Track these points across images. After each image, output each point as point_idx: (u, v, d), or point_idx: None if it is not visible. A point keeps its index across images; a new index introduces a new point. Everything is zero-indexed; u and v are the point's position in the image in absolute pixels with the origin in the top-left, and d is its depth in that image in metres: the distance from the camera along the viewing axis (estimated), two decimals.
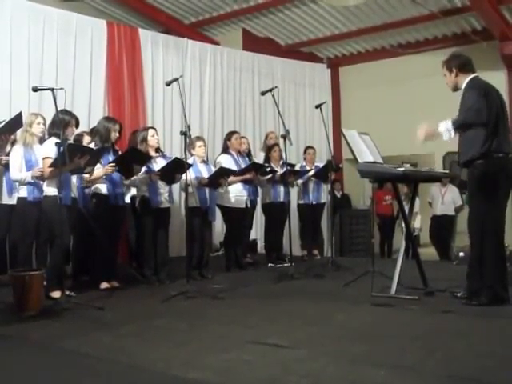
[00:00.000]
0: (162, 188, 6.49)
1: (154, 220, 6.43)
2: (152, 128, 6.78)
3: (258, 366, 3.29)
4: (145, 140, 6.48)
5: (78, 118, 5.87)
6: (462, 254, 7.67)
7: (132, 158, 6.13)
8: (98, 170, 5.96)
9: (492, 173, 4.73)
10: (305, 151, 8.97)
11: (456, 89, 5.00)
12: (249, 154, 8.30)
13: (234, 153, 7.62)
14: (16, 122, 5.97)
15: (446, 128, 4.77)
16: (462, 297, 4.96)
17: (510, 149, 4.84)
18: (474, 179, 4.82)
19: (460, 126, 4.76)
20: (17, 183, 5.95)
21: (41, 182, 5.68)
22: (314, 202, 8.66)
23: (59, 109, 5.25)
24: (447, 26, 10.70)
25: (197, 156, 6.96)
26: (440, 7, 9.88)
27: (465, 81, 4.91)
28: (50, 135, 5.62)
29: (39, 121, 5.93)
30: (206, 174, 6.90)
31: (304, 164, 8.78)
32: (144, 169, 6.31)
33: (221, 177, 7.00)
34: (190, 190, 6.18)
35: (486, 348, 3.59)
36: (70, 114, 5.62)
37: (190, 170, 6.48)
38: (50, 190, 5.47)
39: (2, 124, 6.07)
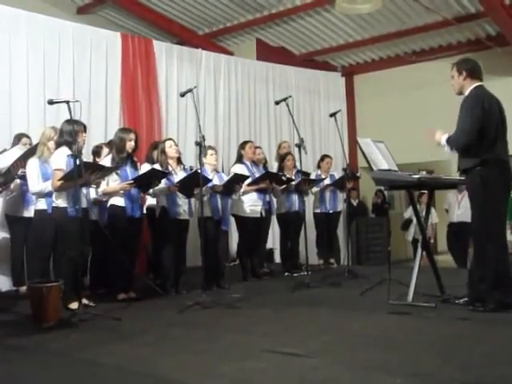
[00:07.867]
0: (181, 200, 6.51)
1: (172, 231, 6.45)
2: (170, 139, 6.78)
3: (273, 374, 3.29)
4: (163, 152, 6.51)
5: (84, 124, 5.78)
6: None
7: (151, 177, 6.18)
8: (116, 182, 6.01)
9: (490, 180, 4.84)
10: (322, 159, 8.95)
11: (460, 92, 5.11)
12: (265, 165, 8.29)
13: (247, 162, 7.63)
14: (32, 152, 6.05)
15: (444, 144, 5.05)
16: (464, 303, 5.00)
17: (506, 156, 5.02)
18: (473, 186, 4.94)
19: (452, 148, 5.01)
20: (35, 196, 5.96)
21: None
22: (330, 211, 8.67)
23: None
24: (461, 32, 10.65)
25: (208, 164, 6.95)
26: (454, 14, 9.85)
27: (469, 87, 5.02)
28: (59, 144, 5.61)
29: None
30: (216, 183, 6.93)
31: (319, 173, 8.77)
32: (164, 180, 6.34)
33: (235, 183, 7.05)
34: (205, 198, 6.20)
35: (504, 355, 3.56)
36: (77, 122, 5.40)
37: None
38: (60, 202, 5.49)
39: (25, 151, 6.19)
